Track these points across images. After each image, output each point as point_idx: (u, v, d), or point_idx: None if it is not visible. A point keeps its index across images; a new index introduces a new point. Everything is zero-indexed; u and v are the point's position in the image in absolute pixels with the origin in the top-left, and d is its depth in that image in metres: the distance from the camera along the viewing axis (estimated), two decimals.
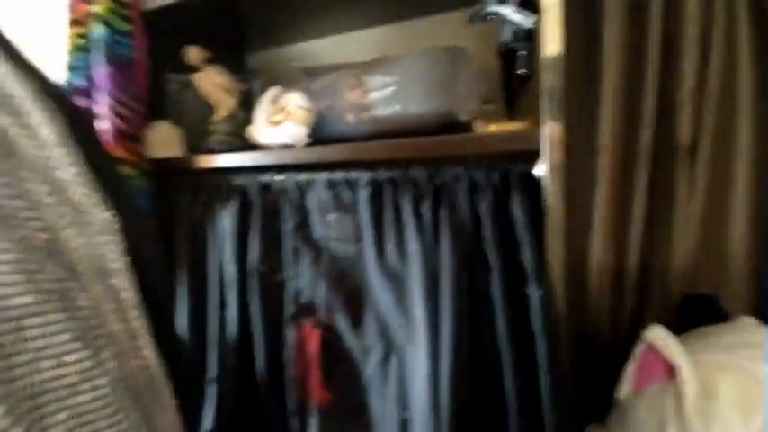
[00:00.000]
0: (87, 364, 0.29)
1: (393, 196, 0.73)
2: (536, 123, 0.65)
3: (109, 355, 0.31)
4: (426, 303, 0.69)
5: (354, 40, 1.11)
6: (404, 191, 0.71)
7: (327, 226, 0.82)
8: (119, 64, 0.93)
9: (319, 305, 0.83)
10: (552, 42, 0.61)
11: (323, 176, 0.81)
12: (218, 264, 0.92)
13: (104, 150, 0.48)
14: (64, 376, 0.27)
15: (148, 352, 0.36)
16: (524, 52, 0.76)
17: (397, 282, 0.74)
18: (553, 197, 0.61)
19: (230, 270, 0.90)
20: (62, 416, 0.27)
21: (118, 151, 0.93)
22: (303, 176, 0.84)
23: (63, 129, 0.33)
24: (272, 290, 0.87)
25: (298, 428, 0.85)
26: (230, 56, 1.09)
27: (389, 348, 0.77)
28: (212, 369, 0.92)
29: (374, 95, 0.84)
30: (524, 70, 0.76)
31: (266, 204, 0.87)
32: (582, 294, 0.76)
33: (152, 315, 0.39)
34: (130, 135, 0.95)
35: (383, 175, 0.74)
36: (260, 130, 0.91)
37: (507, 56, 0.80)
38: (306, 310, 0.84)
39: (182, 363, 0.89)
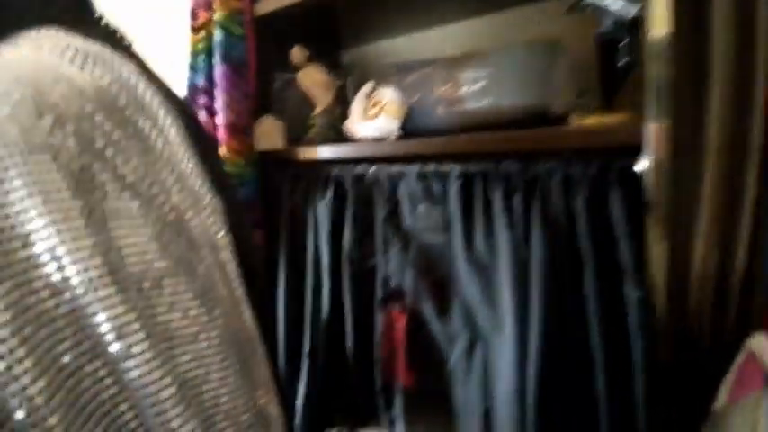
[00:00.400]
0: (204, 318, 0.35)
1: (483, 189, 0.74)
2: (635, 117, 0.63)
3: (219, 314, 0.37)
4: (515, 296, 0.69)
5: (445, 35, 1.13)
6: (495, 184, 0.72)
7: (417, 216, 0.85)
8: (234, 65, 1.03)
9: (407, 291, 0.87)
10: (659, 30, 0.59)
11: (414, 168, 0.84)
12: (315, 248, 0.99)
13: (212, 147, 0.56)
14: (188, 326, 0.34)
15: (247, 316, 0.43)
16: (625, 42, 0.74)
17: (484, 273, 0.76)
18: (655, 195, 0.59)
19: (325, 255, 0.97)
20: (186, 357, 0.34)
21: (231, 143, 1.04)
22: (395, 168, 0.88)
23: (182, 129, 0.39)
24: (363, 275, 0.92)
25: (383, 407, 0.90)
26: (326, 53, 1.16)
27: (475, 337, 0.79)
28: (306, 345, 0.99)
29: (465, 89, 0.86)
30: (625, 61, 0.74)
31: (359, 194, 0.93)
32: (682, 298, 0.72)
33: (248, 286, 0.46)
34: (242, 128, 1.05)
35: (474, 167, 0.76)
36: (355, 123, 0.96)
37: (606, 46, 0.77)
38: (394, 295, 0.89)
39: (271, 333, 0.98)
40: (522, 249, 0.69)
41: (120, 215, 0.30)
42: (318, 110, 1.06)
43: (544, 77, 0.76)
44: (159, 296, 0.32)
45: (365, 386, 0.92)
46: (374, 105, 0.94)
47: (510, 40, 0.98)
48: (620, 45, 0.75)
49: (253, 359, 0.42)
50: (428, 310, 0.84)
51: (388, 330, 0.89)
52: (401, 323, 0.88)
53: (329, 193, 0.97)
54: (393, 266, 0.89)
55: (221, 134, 1.03)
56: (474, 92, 0.85)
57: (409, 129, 0.91)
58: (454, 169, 0.78)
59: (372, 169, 0.91)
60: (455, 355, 0.81)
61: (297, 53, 1.05)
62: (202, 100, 1.08)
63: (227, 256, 0.41)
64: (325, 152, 0.98)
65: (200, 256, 0.36)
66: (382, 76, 1.03)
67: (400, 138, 0.89)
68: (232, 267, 0.41)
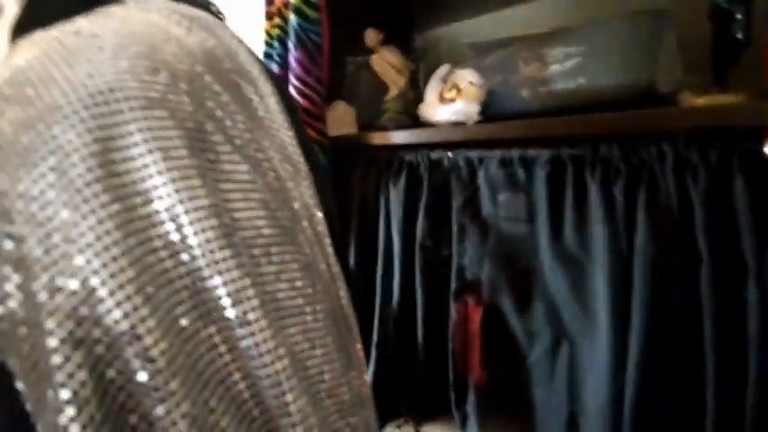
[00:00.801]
0: (309, 290, 0.34)
1: (576, 175, 0.68)
2: (754, 96, 0.55)
3: (320, 288, 0.35)
4: (613, 295, 0.63)
5: (525, 12, 1.06)
6: (591, 170, 0.66)
7: (497, 205, 0.80)
8: (307, 49, 1.02)
9: (484, 283, 0.82)
10: None
11: (496, 154, 0.79)
12: (386, 236, 0.97)
13: (302, 123, 0.54)
14: (294, 298, 0.32)
15: (344, 294, 0.41)
16: (742, 15, 0.66)
17: (574, 267, 0.70)
18: None
19: (397, 243, 0.94)
20: (293, 330, 0.32)
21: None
22: (474, 153, 0.83)
23: (278, 99, 0.38)
24: (436, 264, 0.89)
25: (454, 401, 0.87)
26: (399, 37, 1.13)
27: (559, 336, 0.73)
28: (375, 335, 0.98)
29: (554, 68, 0.79)
30: (740, 35, 0.66)
31: (434, 181, 0.89)
32: None
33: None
34: (315, 115, 1.04)
35: (566, 152, 0.70)
36: (430, 107, 0.93)
37: (721, 18, 0.69)
38: (469, 287, 0.85)
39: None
40: (624, 243, 0.62)
41: (231, 178, 0.29)
42: (392, 94, 1.03)
43: (649, 52, 0.68)
44: (268, 264, 0.30)
45: (435, 379, 0.89)
46: (451, 89, 0.90)
47: (601, 13, 0.90)
48: (736, 18, 0.67)
49: (349, 339, 0.40)
50: (506, 303, 0.80)
51: (463, 323, 0.85)
52: (477, 316, 0.84)
53: (402, 180, 0.94)
54: (469, 257, 0.85)
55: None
56: (565, 71, 0.78)
57: (490, 113, 0.86)
58: (542, 154, 0.73)
59: (449, 155, 0.87)
60: (535, 354, 0.76)
61: (371, 35, 1.03)
62: None
63: (324, 230, 0.39)
64: (398, 137, 0.95)
65: (301, 226, 0.35)
66: (458, 58, 0.98)
67: (479, 122, 0.84)
68: (328, 243, 0.39)
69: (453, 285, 0.87)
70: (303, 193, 0.37)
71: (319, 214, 0.39)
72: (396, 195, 0.94)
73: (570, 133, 0.69)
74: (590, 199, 0.66)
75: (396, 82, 1.02)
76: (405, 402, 0.99)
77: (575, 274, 0.70)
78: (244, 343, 0.28)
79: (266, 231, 0.31)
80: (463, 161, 0.85)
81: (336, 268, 0.40)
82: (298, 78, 1.03)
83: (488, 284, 0.82)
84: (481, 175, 0.82)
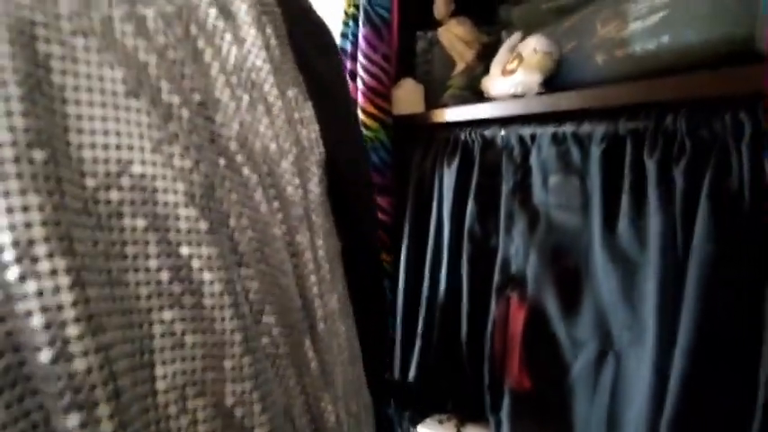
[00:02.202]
0: (327, 276, 0.37)
1: (634, 154, 0.55)
2: None
3: (338, 275, 0.39)
4: (662, 303, 0.50)
5: None
6: (651, 146, 0.53)
7: (548, 189, 0.70)
8: (374, 25, 1.00)
9: (529, 279, 0.72)
10: None
11: (548, 130, 0.68)
12: (437, 221, 0.91)
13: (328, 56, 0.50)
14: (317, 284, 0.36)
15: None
16: None
17: (627, 267, 0.57)
18: None
19: (446, 229, 0.88)
20: (321, 312, 0.36)
21: (368, 107, 1.02)
22: (527, 130, 0.73)
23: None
24: (483, 255, 0.81)
25: (489, 405, 0.79)
26: (480, 6, 1.03)
27: (607, 347, 0.61)
28: (420, 325, 0.93)
29: (635, 26, 0.65)
30: None
31: (486, 161, 0.81)
32: None
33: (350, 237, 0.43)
34: (379, 92, 1.02)
35: (625, 126, 0.57)
36: (491, 80, 0.84)
37: None
38: (514, 282, 0.75)
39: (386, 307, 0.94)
40: (680, 239, 0.49)
41: None
42: (459, 69, 0.95)
43: (746, 3, 0.52)
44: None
45: (475, 380, 0.82)
46: (514, 59, 0.80)
47: None
48: None
49: (352, 327, 0.46)
50: (552, 305, 0.69)
51: (504, 322, 0.76)
52: (520, 316, 0.74)
53: (456, 161, 0.87)
54: (516, 248, 0.75)
55: (359, 99, 1.02)
56: (646, 28, 0.64)
57: (558, 83, 0.74)
58: (598, 129, 0.61)
59: (502, 132, 0.78)
60: (579, 364, 0.65)
61: (440, 6, 0.97)
62: (349, 65, 1.08)
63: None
64: (453, 114, 0.88)
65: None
66: (538, 24, 0.87)
67: (541, 93, 0.73)
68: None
69: (496, 279, 0.78)
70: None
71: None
72: (448, 178, 0.88)
73: (632, 102, 0.56)
74: (648, 183, 0.53)
75: (463, 56, 0.94)
76: (452, 399, 0.93)
77: (627, 276, 0.57)
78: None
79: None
80: (515, 139, 0.75)
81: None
82: (364, 55, 1.01)
83: (534, 281, 0.72)
84: (533, 154, 0.72)
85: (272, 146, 0.35)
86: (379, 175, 1.02)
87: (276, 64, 0.36)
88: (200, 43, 0.33)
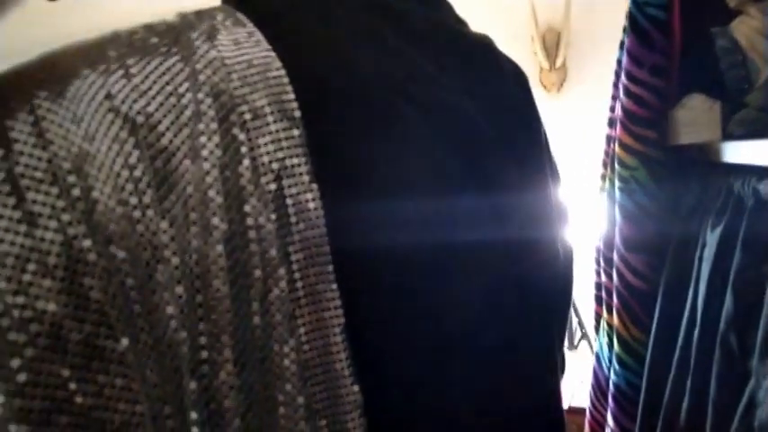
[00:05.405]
0: None
1: None
2: None
3: None
4: None
5: None
6: None
7: None
8: (641, 30, 0.77)
9: None
10: None
11: None
12: (692, 309, 0.64)
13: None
14: None
15: None
16: None
17: None
18: None
19: (698, 326, 0.61)
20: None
21: (624, 138, 0.81)
22: None
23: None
24: (736, 378, 0.52)
25: None
26: None
27: None
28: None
29: None
30: None
31: (756, 233, 0.51)
32: None
33: None
34: (640, 118, 0.79)
35: None
36: None
37: None
38: None
39: None
40: None
41: None
42: (758, 81, 0.62)
43: None
44: None
45: None
46: None
47: None
48: None
49: None
50: None
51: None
52: None
53: (721, 224, 0.58)
54: None
55: (617, 128, 0.82)
56: None
57: None
58: None
59: None
60: None
61: None
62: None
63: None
64: (735, 151, 0.59)
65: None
66: None
67: None
68: None
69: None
70: None
71: None
72: (709, 250, 0.60)
73: None
74: None
75: (763, 61, 0.61)
76: None
77: None
78: None
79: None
80: None
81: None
82: (626, 73, 0.80)
83: None
84: None
85: None
86: (632, 226, 0.79)
87: None
88: None
